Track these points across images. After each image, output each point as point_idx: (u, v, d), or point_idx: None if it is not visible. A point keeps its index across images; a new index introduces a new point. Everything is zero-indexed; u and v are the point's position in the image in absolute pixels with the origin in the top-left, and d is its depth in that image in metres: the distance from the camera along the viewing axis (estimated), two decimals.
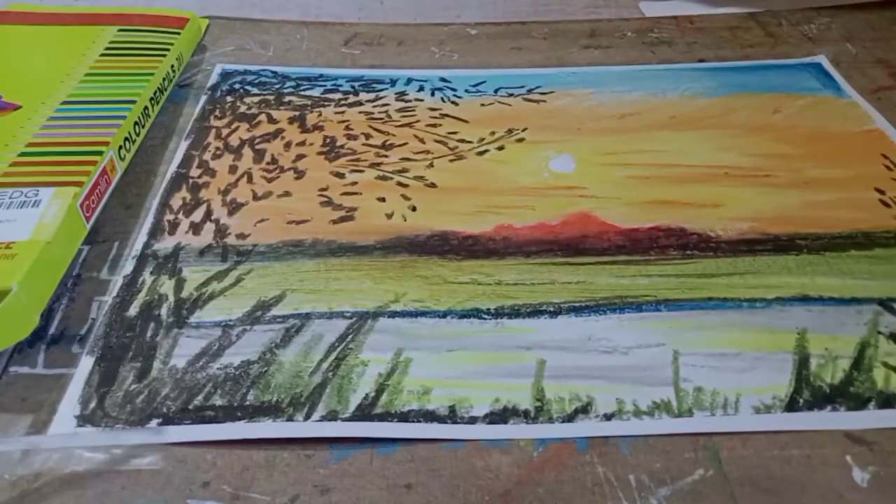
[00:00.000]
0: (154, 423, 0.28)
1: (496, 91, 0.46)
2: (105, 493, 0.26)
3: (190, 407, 0.28)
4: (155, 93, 0.42)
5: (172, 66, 0.45)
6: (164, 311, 0.32)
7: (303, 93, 0.46)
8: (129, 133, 0.39)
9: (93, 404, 0.28)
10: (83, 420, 0.28)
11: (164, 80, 0.43)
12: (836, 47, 0.50)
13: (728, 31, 0.53)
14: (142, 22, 0.47)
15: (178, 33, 0.46)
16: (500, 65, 0.49)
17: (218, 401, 0.29)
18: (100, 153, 0.36)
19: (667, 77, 0.47)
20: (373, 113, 0.44)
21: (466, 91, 0.46)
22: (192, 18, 0.49)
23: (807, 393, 0.29)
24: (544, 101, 0.45)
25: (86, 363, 0.30)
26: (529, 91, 0.46)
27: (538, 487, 0.26)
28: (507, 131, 0.43)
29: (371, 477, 0.26)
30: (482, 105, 0.45)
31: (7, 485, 0.26)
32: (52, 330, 0.31)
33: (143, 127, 0.41)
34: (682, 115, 0.44)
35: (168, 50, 0.45)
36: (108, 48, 0.44)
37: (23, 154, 0.35)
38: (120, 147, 0.38)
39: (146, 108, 0.41)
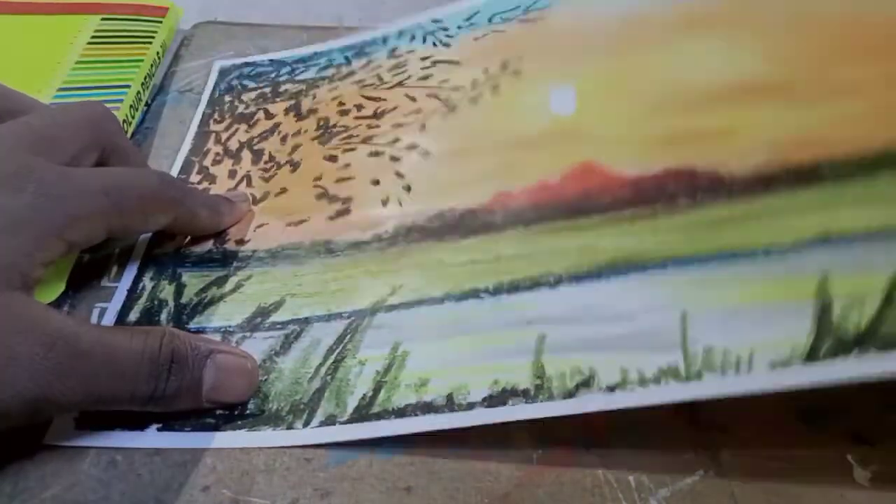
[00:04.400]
0: (154, 427, 0.28)
1: (490, 20, 0.43)
2: (105, 497, 0.26)
3: (189, 413, 0.28)
4: (145, 78, 0.44)
5: (158, 52, 0.46)
6: (163, 317, 0.32)
7: (298, 77, 0.45)
8: (126, 116, 0.41)
9: None
10: (82, 424, 0.28)
11: (151, 66, 0.45)
12: None
13: None
14: (124, 11, 0.48)
15: (161, 21, 0.48)
16: None
17: (218, 408, 0.29)
18: None
19: None
20: (364, 80, 0.43)
21: (459, 27, 0.44)
22: (172, 8, 0.50)
23: (829, 340, 0.25)
24: (542, 20, 0.41)
25: None
26: (526, 11, 0.42)
27: (538, 490, 0.26)
28: (501, 67, 0.40)
29: (370, 480, 0.27)
30: (475, 39, 0.43)
31: (8, 491, 0.26)
32: None
33: (136, 110, 0.43)
34: (695, 12, 0.37)
35: (153, 37, 0.46)
36: (94, 36, 0.46)
37: None
38: None
39: (139, 92, 0.43)
